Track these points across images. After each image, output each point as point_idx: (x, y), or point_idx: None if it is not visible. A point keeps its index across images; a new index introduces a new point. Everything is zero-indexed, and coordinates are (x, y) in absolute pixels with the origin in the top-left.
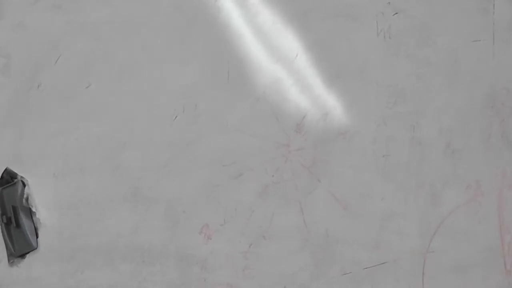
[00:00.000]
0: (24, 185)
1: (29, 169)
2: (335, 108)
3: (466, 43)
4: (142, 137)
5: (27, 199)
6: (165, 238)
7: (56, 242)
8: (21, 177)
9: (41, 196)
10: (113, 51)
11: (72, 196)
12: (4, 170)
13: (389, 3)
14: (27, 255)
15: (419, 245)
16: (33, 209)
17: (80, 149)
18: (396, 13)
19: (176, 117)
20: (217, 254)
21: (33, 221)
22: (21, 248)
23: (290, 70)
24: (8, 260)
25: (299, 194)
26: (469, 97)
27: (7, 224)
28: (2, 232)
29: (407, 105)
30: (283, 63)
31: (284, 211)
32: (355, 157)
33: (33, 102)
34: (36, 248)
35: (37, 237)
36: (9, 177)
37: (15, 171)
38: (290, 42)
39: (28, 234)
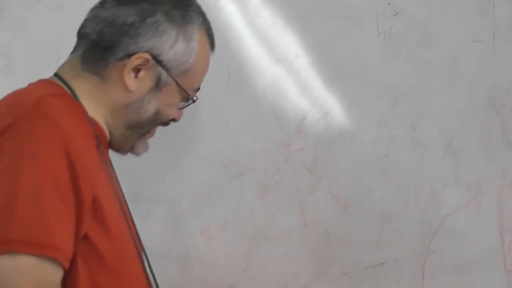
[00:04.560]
0: None
1: None
2: (336, 108)
3: (467, 44)
4: None
5: None
6: (165, 238)
7: None
8: None
9: None
10: None
11: None
12: None
13: (389, 3)
14: None
15: (419, 245)
16: None
17: None
18: (397, 14)
19: None
20: (218, 254)
21: None
22: None
23: (290, 71)
24: None
25: (300, 194)
26: (469, 98)
27: None
28: None
29: (408, 106)
30: (283, 64)
31: (285, 212)
32: (356, 157)
33: None
34: None
35: None
36: None
37: None
38: (290, 43)
39: None
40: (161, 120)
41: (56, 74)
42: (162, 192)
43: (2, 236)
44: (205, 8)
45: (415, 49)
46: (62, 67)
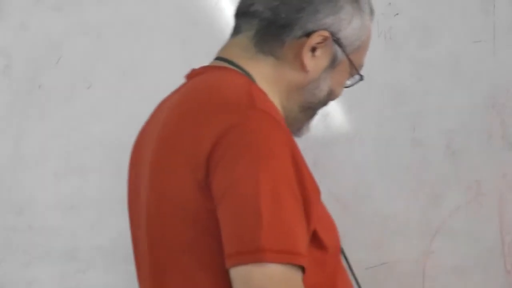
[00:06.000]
0: None
1: (29, 169)
2: (336, 108)
3: (467, 44)
4: None
5: None
6: None
7: (56, 242)
8: None
9: (41, 196)
10: (113, 52)
11: (72, 196)
12: None
13: (389, 4)
14: None
15: (419, 245)
16: None
17: (81, 149)
18: (397, 14)
19: None
20: None
21: None
22: None
23: None
24: None
25: None
26: (469, 98)
27: None
28: None
29: (408, 106)
30: None
31: None
32: (356, 157)
33: (34, 102)
34: None
35: None
36: None
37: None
38: None
39: None
40: (331, 100)
41: (222, 58)
42: None
43: (251, 244)
44: (205, 8)
45: (415, 49)
46: (229, 49)
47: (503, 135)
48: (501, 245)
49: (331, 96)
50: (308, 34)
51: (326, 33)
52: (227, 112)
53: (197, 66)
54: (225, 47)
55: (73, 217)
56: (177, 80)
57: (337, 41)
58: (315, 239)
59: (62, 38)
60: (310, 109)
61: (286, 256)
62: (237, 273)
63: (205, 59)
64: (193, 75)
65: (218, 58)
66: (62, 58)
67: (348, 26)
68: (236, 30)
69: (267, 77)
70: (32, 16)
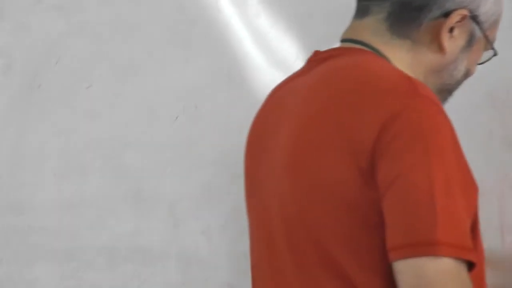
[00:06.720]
0: None
1: (29, 169)
2: None
3: None
4: (143, 138)
5: None
6: (166, 238)
7: (56, 242)
8: None
9: (41, 196)
10: (113, 52)
11: (72, 196)
12: None
13: None
14: None
15: None
16: None
17: (81, 149)
18: None
19: (177, 117)
20: (218, 254)
21: None
22: None
23: (289, 72)
24: None
25: None
26: (469, 98)
27: None
28: None
29: None
30: (282, 65)
31: None
32: None
33: (33, 102)
34: None
35: None
36: None
37: None
38: (290, 44)
39: None
40: (466, 79)
41: (355, 40)
42: (163, 193)
43: (424, 236)
44: (205, 9)
45: None
46: (359, 32)
47: (503, 135)
48: (501, 245)
49: (467, 75)
50: (446, 14)
51: (465, 12)
52: (391, 98)
53: (196, 64)
54: (353, 29)
55: (73, 217)
56: (177, 79)
57: (475, 19)
58: (474, 228)
59: (62, 38)
60: (446, 91)
61: (459, 251)
62: (407, 266)
63: (204, 58)
64: (322, 57)
65: (347, 40)
66: (62, 58)
67: (486, 1)
68: (362, 12)
69: (404, 61)
70: (32, 16)
